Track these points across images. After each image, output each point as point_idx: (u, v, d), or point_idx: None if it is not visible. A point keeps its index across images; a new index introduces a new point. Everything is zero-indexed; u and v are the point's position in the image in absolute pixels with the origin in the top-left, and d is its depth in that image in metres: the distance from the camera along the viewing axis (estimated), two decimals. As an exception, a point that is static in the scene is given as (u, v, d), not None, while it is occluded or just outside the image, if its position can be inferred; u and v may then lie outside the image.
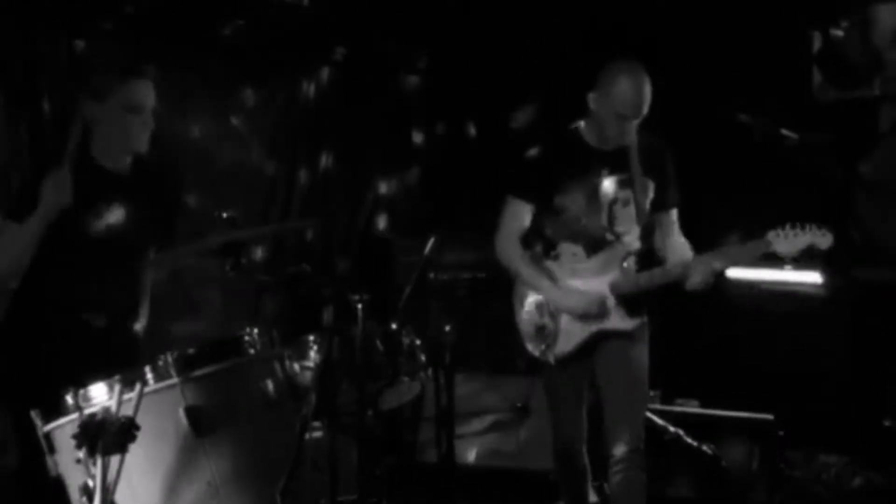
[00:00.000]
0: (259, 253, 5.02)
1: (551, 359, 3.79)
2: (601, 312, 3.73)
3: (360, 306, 3.36)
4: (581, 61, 5.13)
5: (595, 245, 3.79)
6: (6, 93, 4.33)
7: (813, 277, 5.11)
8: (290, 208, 5.39)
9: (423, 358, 3.79)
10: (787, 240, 3.52)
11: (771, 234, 3.54)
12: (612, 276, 3.75)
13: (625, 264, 3.75)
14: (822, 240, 3.51)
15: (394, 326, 3.70)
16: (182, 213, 3.83)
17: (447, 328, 3.83)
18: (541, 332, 3.81)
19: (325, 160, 5.57)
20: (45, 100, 4.43)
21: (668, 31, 5.06)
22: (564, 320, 3.78)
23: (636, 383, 3.77)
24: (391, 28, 5.41)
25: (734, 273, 4.86)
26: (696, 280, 3.60)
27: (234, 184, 5.16)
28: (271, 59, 5.25)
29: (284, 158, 5.43)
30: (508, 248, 3.84)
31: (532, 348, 3.86)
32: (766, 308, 5.07)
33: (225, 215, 3.38)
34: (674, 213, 3.85)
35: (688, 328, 5.00)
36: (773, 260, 3.56)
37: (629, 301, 3.74)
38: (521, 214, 3.83)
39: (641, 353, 3.79)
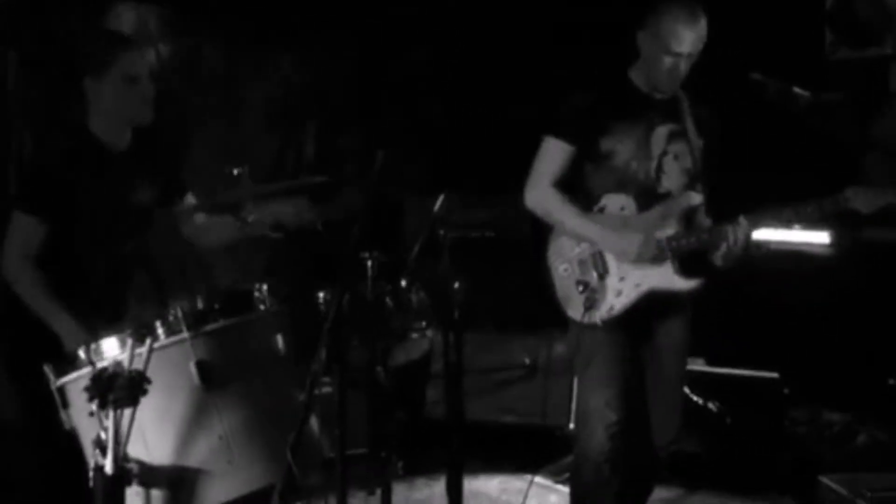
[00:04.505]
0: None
1: (597, 319, 3.40)
2: (659, 259, 3.36)
3: (370, 264, 3.37)
4: (588, 23, 5.12)
5: (647, 197, 3.41)
6: (19, 55, 4.32)
7: (821, 238, 5.10)
8: (299, 171, 5.39)
9: (432, 315, 3.80)
10: (865, 196, 3.29)
11: (849, 191, 3.30)
12: (671, 229, 3.39)
13: (686, 219, 3.40)
14: None
15: (403, 284, 3.71)
16: (184, 174, 3.81)
17: (456, 286, 3.83)
18: (583, 290, 3.42)
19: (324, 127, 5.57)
20: (55, 64, 4.42)
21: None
22: (613, 277, 3.41)
23: (683, 368, 3.55)
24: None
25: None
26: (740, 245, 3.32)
27: (242, 147, 5.16)
28: (277, 26, 5.22)
29: (292, 124, 5.42)
30: (545, 194, 3.42)
31: (571, 311, 3.47)
32: (773, 267, 5.07)
33: (235, 172, 3.38)
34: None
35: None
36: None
37: (686, 259, 3.40)
38: (559, 157, 3.41)
39: (689, 333, 3.53)
